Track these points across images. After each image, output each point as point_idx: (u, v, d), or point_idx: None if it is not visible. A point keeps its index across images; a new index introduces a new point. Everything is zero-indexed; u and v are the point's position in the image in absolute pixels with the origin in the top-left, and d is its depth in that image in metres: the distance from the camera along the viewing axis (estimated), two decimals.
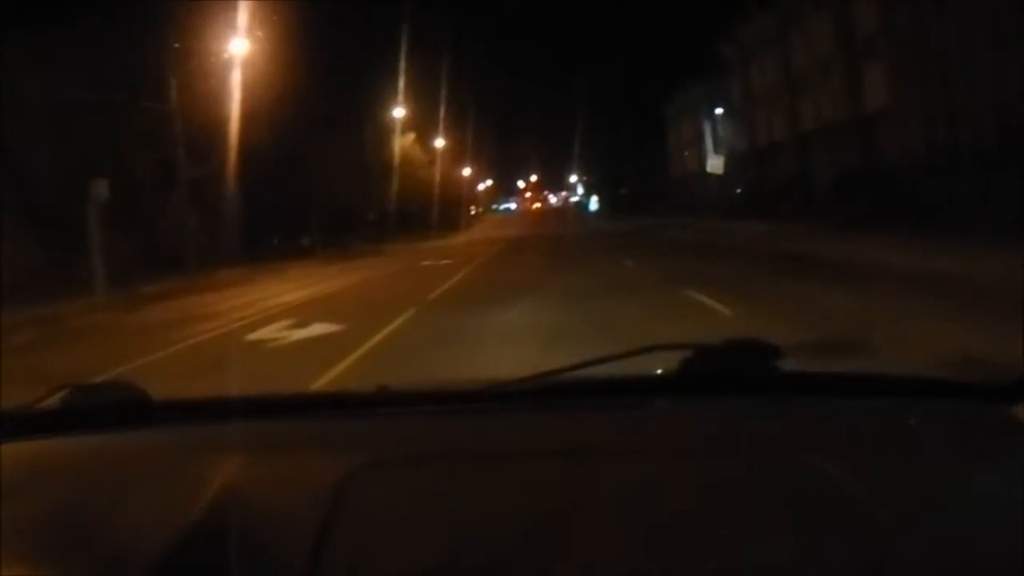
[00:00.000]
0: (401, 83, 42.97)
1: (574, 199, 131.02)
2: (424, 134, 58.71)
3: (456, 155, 75.86)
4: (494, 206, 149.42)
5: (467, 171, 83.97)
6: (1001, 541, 1.04)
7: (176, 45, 25.69)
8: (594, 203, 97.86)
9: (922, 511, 1.11)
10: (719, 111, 52.39)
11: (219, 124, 25.75)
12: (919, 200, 23.74)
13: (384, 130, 45.65)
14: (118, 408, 1.62)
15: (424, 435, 1.45)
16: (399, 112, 44.35)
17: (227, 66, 25.25)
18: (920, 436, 1.31)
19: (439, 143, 60.46)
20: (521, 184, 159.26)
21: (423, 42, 51.37)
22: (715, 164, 53.47)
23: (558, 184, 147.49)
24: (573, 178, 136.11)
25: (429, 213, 59.13)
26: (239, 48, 25.07)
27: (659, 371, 1.57)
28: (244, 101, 24.90)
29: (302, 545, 1.15)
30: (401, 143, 44.99)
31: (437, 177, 59.20)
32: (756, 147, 45.29)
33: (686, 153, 62.70)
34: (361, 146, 43.64)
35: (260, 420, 1.55)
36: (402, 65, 41.34)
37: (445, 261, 25.53)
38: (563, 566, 1.09)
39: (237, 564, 1.15)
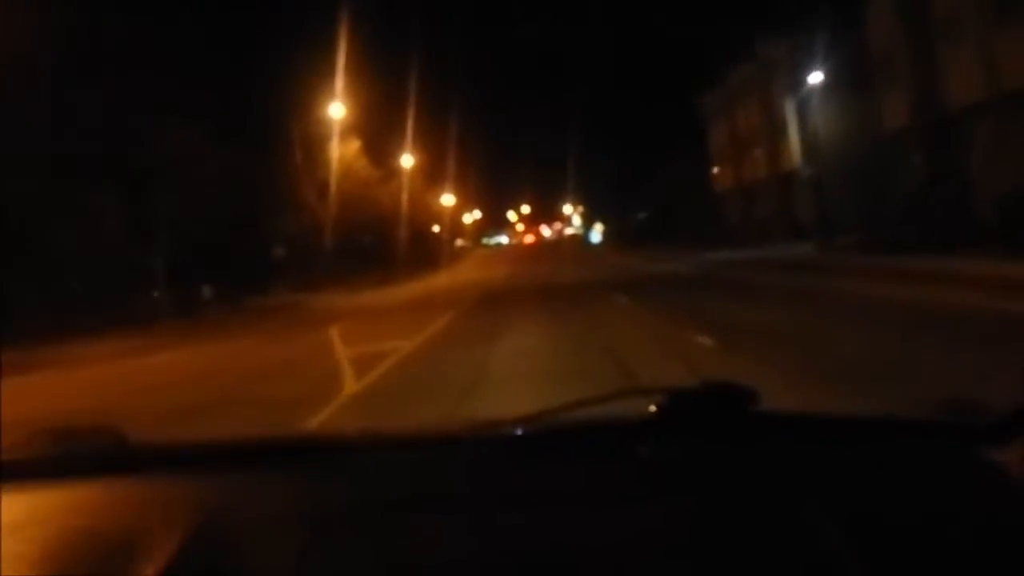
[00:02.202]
0: (339, 75, 31.20)
1: (570, 231, 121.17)
2: (385, 148, 47.07)
3: (433, 178, 64.52)
4: (484, 240, 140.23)
5: (449, 199, 72.45)
6: None
7: None
8: (596, 234, 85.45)
9: (900, 554, 1.13)
10: (816, 78, 28.91)
11: None
12: None
13: (314, 138, 33.57)
14: (93, 455, 1.60)
15: (403, 479, 1.47)
16: (337, 111, 32.23)
17: None
18: (898, 479, 1.31)
19: (406, 161, 48.76)
20: (512, 216, 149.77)
21: (383, 39, 40.21)
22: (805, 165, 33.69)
23: (551, 215, 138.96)
24: (567, 209, 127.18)
25: (393, 248, 47.37)
26: None
27: (638, 414, 1.54)
28: None
29: None
30: (340, 153, 32.75)
31: (404, 202, 47.48)
32: (890, 129, 26.43)
33: (756, 151, 42.18)
34: (276, 155, 31.60)
35: (238, 463, 1.56)
36: (340, 52, 29.83)
37: (389, 345, 12.42)
38: None
39: None
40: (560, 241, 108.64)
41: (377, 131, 46.28)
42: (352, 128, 38.38)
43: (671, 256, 33.17)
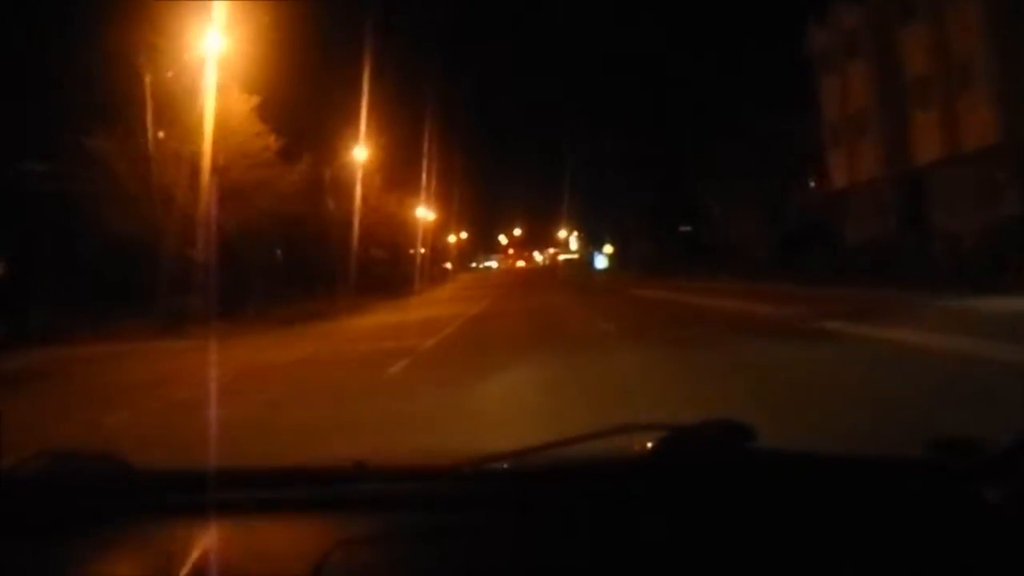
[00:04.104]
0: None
1: (565, 256, 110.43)
2: (333, 138, 35.02)
3: (407, 189, 52.42)
4: (473, 263, 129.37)
5: (425, 213, 60.25)
6: None
7: None
8: (600, 259, 72.39)
9: None
10: None
11: None
12: None
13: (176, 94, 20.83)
14: (98, 478, 1.59)
15: (399, 512, 1.46)
16: (212, 45, 19.83)
17: None
18: (892, 517, 1.30)
19: (359, 153, 36.62)
20: (503, 239, 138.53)
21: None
22: None
23: (544, 240, 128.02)
24: (562, 233, 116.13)
25: (344, 265, 35.20)
26: None
27: (634, 451, 1.54)
28: None
29: None
30: (221, 111, 20.19)
31: (356, 206, 35.30)
32: None
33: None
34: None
35: (238, 491, 1.54)
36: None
37: None
38: None
39: None
40: (554, 267, 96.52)
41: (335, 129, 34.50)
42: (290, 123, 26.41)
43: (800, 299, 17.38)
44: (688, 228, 45.39)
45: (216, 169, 20.20)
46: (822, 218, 31.28)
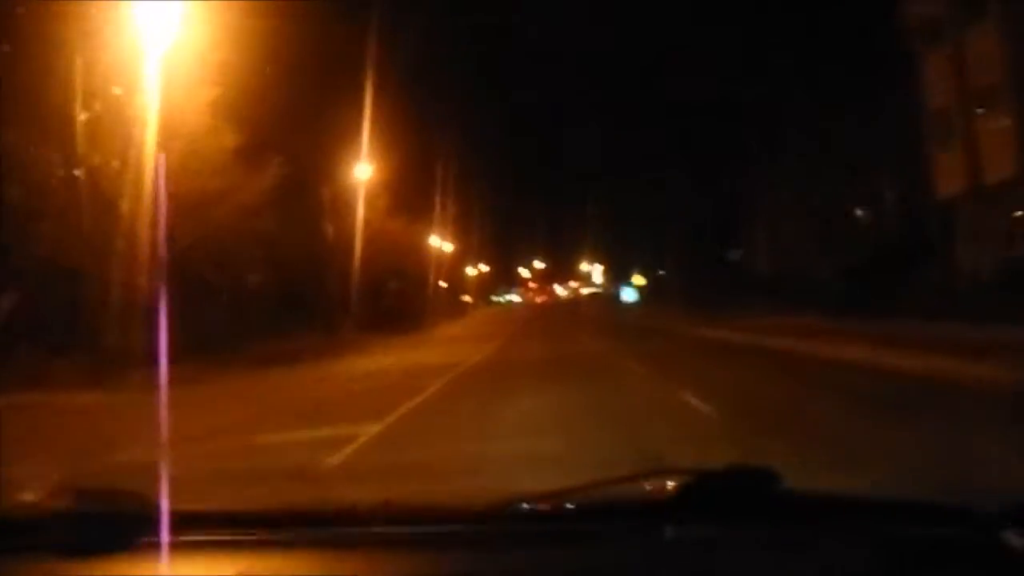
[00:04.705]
0: None
1: (588, 289, 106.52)
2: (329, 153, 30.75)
3: (421, 216, 48.21)
4: (493, 297, 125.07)
5: (442, 242, 55.99)
6: None
7: None
8: (628, 292, 66.87)
9: None
10: None
11: None
12: None
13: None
14: (126, 519, 1.58)
15: (426, 554, 1.45)
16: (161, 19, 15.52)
17: None
18: (916, 561, 1.31)
19: (361, 171, 32.26)
20: (525, 272, 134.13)
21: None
22: None
23: (566, 273, 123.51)
24: (585, 266, 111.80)
25: (343, 295, 30.73)
26: None
27: (664, 493, 1.53)
28: None
29: None
30: (175, 98, 15.75)
31: (358, 227, 30.85)
32: None
33: None
34: None
35: (267, 531, 1.57)
36: None
37: None
38: None
39: None
40: (577, 301, 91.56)
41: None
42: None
43: None
44: (736, 253, 39.57)
45: (163, 174, 15.79)
46: (914, 237, 25.72)
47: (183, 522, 1.56)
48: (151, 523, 1.51)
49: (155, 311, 16.52)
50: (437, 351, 22.95)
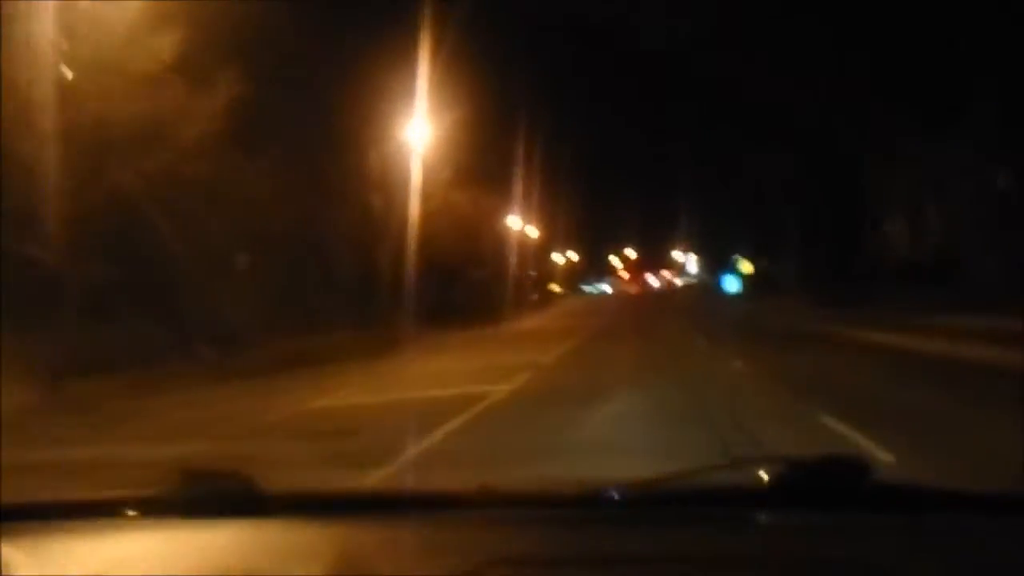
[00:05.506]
0: None
1: (681, 280, 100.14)
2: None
3: (502, 196, 43.09)
4: (583, 286, 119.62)
5: (521, 225, 50.60)
6: None
7: None
8: (731, 281, 59.69)
9: None
10: None
11: None
12: None
13: None
14: (227, 499, 1.61)
15: (520, 538, 1.46)
16: None
17: None
18: (1009, 555, 1.27)
19: (420, 132, 27.04)
20: (616, 261, 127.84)
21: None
22: None
23: (658, 262, 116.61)
24: (678, 254, 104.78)
25: (395, 281, 25.80)
26: None
27: (758, 481, 1.51)
28: None
29: None
30: None
31: (412, 206, 25.74)
32: None
33: None
34: None
35: (365, 515, 1.59)
36: None
37: None
38: None
39: None
40: (672, 292, 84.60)
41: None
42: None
43: None
44: (884, 230, 31.35)
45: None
46: None
47: (278, 504, 1.59)
48: (250, 503, 1.56)
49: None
50: (501, 356, 17.63)
